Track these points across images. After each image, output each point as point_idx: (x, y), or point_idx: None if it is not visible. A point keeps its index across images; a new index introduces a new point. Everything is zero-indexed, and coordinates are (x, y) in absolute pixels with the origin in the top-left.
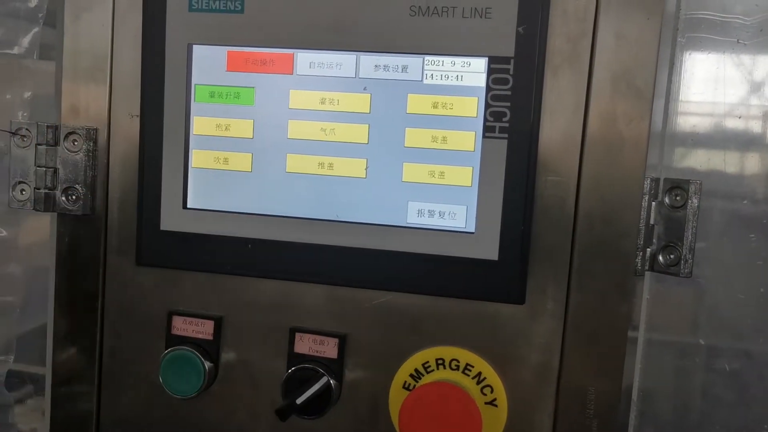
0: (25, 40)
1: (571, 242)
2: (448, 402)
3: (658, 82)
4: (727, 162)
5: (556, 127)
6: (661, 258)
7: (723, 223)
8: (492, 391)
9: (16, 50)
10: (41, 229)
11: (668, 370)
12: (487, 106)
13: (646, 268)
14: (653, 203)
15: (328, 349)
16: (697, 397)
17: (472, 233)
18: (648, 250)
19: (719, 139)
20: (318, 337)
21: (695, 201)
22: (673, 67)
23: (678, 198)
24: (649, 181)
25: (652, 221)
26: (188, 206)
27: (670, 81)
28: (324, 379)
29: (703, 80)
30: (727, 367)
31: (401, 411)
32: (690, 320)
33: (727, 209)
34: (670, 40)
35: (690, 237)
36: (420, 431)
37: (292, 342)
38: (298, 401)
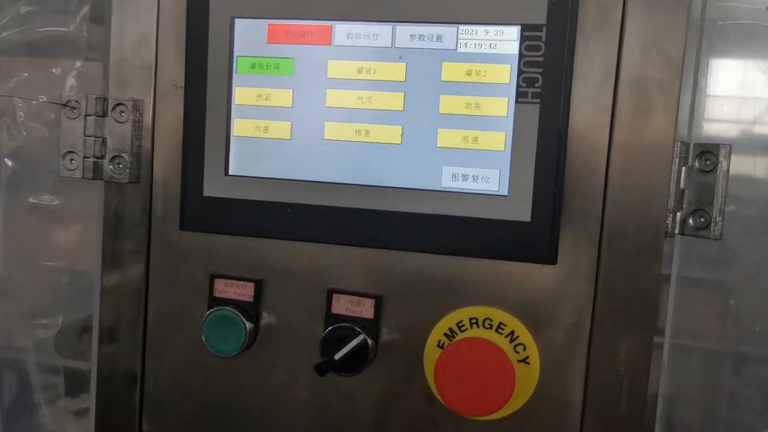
0: (76, 17)
1: (602, 204)
2: (482, 356)
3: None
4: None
5: (588, 91)
6: (691, 221)
7: (750, 226)
8: (524, 350)
9: (66, 26)
10: (90, 197)
11: (695, 371)
12: (520, 72)
13: (677, 231)
14: (683, 168)
15: (365, 309)
16: (725, 401)
17: (505, 196)
18: (678, 213)
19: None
20: (355, 298)
21: (725, 164)
22: (698, 64)
23: (708, 162)
24: (679, 144)
25: (682, 186)
26: (230, 173)
27: (696, 74)
28: (361, 337)
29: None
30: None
31: (436, 366)
32: (719, 324)
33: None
34: (699, 8)
35: (720, 200)
36: (454, 386)
37: (329, 303)
38: (336, 357)
